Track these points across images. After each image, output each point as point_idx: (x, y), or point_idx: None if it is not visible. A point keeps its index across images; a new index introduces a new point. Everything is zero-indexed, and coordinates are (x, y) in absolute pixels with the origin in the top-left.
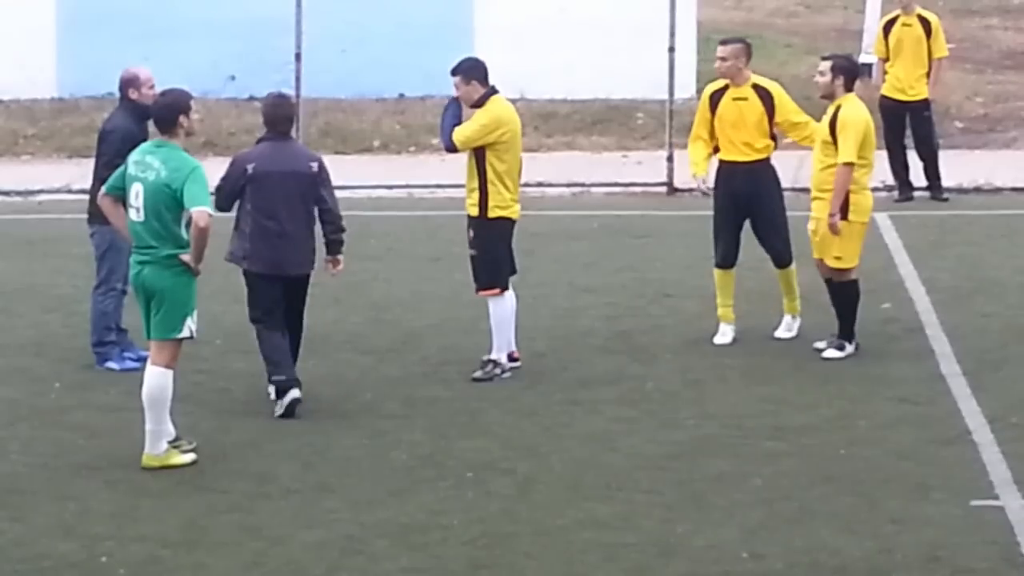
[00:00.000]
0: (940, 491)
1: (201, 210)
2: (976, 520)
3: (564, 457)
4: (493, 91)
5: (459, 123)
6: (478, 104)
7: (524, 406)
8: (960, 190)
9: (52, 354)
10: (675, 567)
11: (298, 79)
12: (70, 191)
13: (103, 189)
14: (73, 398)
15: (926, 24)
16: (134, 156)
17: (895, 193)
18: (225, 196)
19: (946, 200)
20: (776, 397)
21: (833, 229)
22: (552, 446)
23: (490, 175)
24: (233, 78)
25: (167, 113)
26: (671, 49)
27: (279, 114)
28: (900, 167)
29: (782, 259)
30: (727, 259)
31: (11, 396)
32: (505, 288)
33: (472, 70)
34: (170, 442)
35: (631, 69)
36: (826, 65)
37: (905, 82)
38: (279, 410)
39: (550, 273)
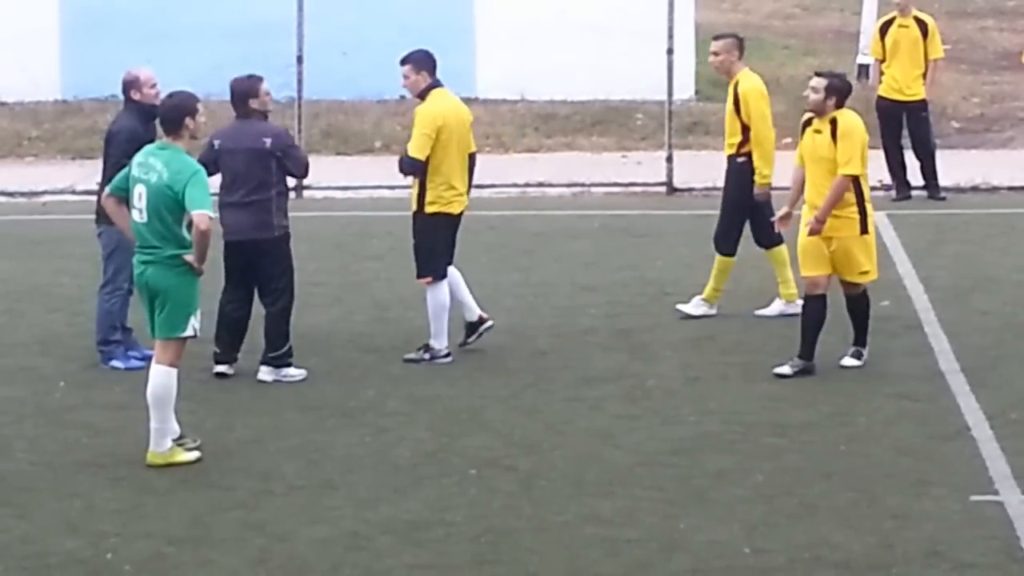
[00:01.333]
0: (940, 487)
1: (202, 213)
2: (976, 515)
3: (566, 454)
4: (437, 84)
5: None
6: (422, 95)
7: (526, 403)
8: (957, 189)
9: (57, 353)
10: (677, 563)
11: (300, 81)
12: (74, 192)
13: (107, 190)
14: (78, 397)
15: (923, 26)
16: (138, 158)
17: (892, 192)
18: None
19: (943, 200)
20: (776, 394)
21: (814, 232)
22: (554, 443)
23: (429, 170)
24: None
25: (173, 115)
26: (669, 51)
27: (234, 93)
28: (897, 167)
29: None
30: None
31: (16, 395)
32: (441, 278)
33: (422, 60)
34: (175, 440)
35: (630, 70)
36: (820, 83)
37: (902, 82)
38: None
39: (551, 272)
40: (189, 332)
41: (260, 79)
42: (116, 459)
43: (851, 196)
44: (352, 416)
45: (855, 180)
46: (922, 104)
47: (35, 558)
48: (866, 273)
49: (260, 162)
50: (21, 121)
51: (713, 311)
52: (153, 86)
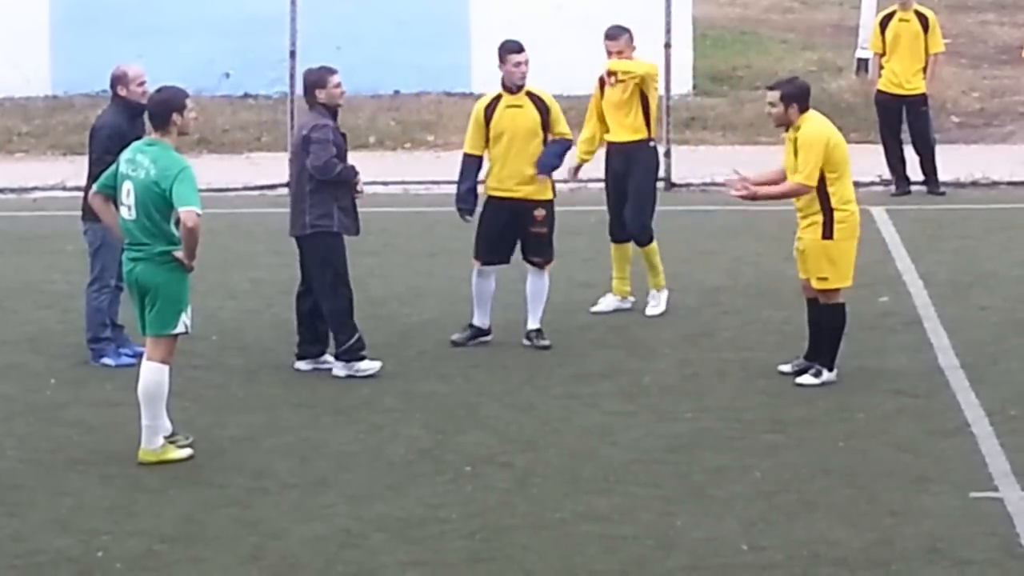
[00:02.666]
0: (939, 483)
1: (188, 210)
2: (975, 512)
3: (562, 450)
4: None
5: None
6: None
7: (522, 400)
8: (957, 184)
9: (47, 350)
10: (674, 560)
11: (292, 76)
12: (64, 188)
13: (94, 187)
14: (68, 394)
15: (923, 20)
16: (126, 154)
17: (892, 187)
18: None
19: (943, 195)
20: (774, 390)
21: (739, 193)
22: (550, 440)
23: None
24: (228, 75)
25: (160, 110)
26: (667, 45)
27: (305, 83)
28: (896, 161)
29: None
30: None
31: (6, 392)
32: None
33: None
34: (166, 437)
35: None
36: (775, 96)
37: (902, 76)
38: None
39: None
40: (180, 329)
41: (332, 71)
42: (107, 457)
43: (815, 202)
44: (346, 413)
45: (821, 186)
46: (922, 98)
47: (25, 556)
48: (824, 279)
49: (297, 157)
50: (11, 117)
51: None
52: (141, 84)
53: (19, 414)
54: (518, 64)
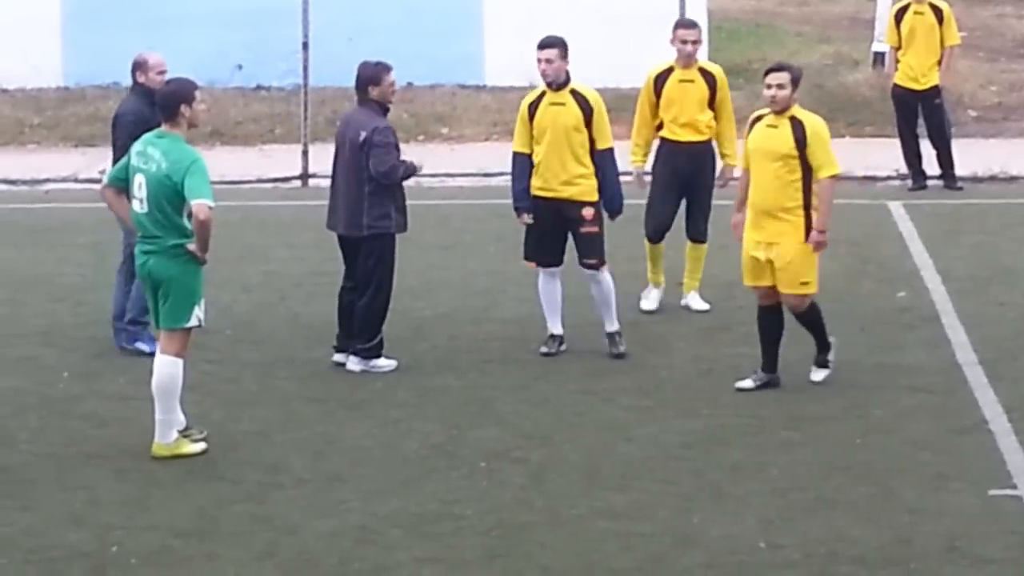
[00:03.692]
0: (957, 481)
1: (201, 203)
2: (994, 509)
3: (578, 446)
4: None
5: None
6: (561, 85)
7: (537, 395)
8: (975, 179)
9: (60, 343)
10: (691, 557)
11: (305, 68)
12: (76, 180)
13: (105, 180)
14: (82, 387)
15: (938, 12)
16: (137, 147)
17: (908, 182)
18: None
19: (960, 189)
20: (791, 386)
21: (821, 246)
22: (566, 435)
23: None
24: (240, 67)
25: (168, 102)
26: None
27: (358, 78)
28: (913, 156)
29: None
30: None
31: (19, 385)
32: None
33: (566, 47)
34: (180, 431)
35: (641, 58)
36: (784, 77)
37: (918, 71)
38: None
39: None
40: (193, 322)
41: (388, 68)
42: (121, 451)
43: (800, 199)
44: (360, 408)
45: (807, 185)
46: (936, 91)
47: (39, 551)
48: (806, 284)
49: (354, 156)
50: (23, 108)
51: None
52: (161, 72)
53: (32, 408)
54: (539, 61)
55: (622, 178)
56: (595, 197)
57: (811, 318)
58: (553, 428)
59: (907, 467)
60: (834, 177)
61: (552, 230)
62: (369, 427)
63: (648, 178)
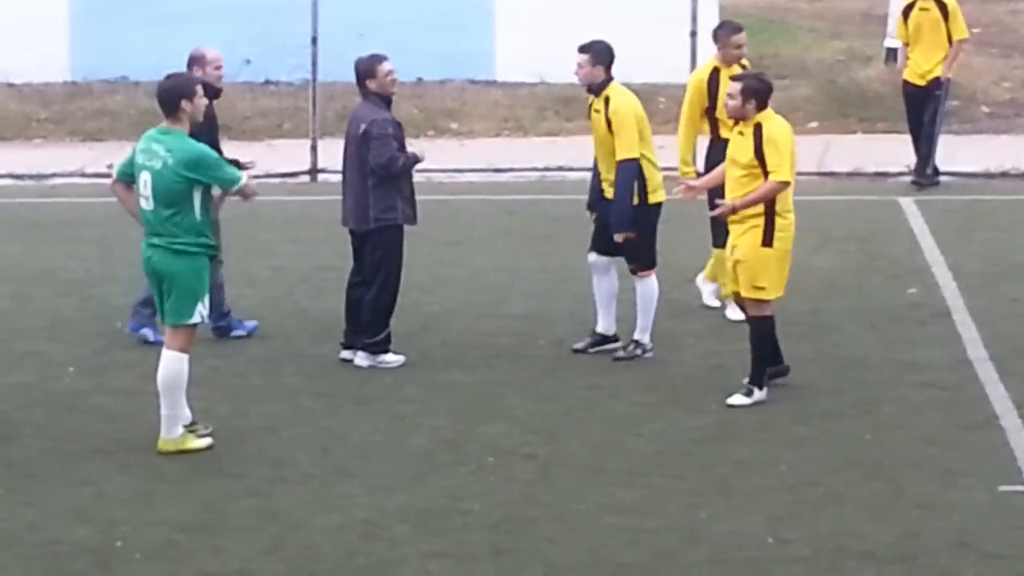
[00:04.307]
0: (967, 476)
1: (240, 185)
2: (1004, 505)
3: (586, 442)
4: (611, 78)
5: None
6: (595, 90)
7: (545, 390)
8: (987, 175)
9: (66, 338)
10: (699, 553)
11: (314, 63)
12: (83, 175)
13: (114, 175)
14: (87, 382)
15: (943, 7)
16: (140, 144)
17: (915, 176)
18: None
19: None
20: (799, 382)
21: (723, 214)
22: (574, 431)
23: (642, 163)
24: (249, 62)
25: (168, 97)
26: (693, 33)
27: (356, 73)
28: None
29: None
30: None
31: (25, 380)
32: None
33: (603, 53)
34: (186, 426)
35: (652, 53)
36: (735, 87)
37: (924, 67)
38: None
39: (571, 257)
40: (196, 319)
41: (381, 59)
42: (126, 446)
43: (761, 206)
44: (367, 403)
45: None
46: (936, 83)
47: (44, 546)
48: (760, 289)
49: (357, 150)
50: (30, 103)
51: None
52: (218, 67)
53: (37, 402)
54: (574, 64)
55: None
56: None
57: (758, 336)
58: (561, 424)
59: (916, 463)
60: (783, 183)
61: (604, 228)
62: (376, 422)
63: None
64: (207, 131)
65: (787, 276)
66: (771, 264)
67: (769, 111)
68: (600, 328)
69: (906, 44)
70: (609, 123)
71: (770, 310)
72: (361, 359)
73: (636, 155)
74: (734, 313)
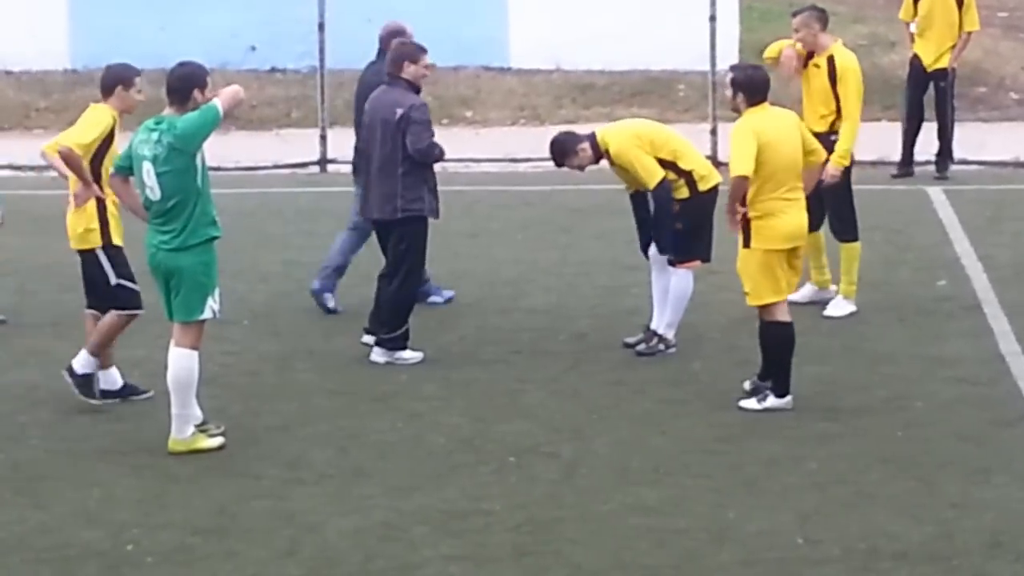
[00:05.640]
0: (1002, 474)
1: (213, 105)
2: None
3: (610, 440)
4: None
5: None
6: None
7: (567, 387)
8: (1017, 163)
9: (71, 335)
10: (728, 553)
11: (322, 50)
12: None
13: (112, 169)
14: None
15: None
16: (139, 135)
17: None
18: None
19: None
20: (828, 377)
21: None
22: (597, 429)
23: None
24: (254, 48)
25: (180, 85)
26: (712, 18)
27: (393, 55)
28: (910, 138)
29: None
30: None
31: (30, 379)
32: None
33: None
34: (197, 426)
35: (671, 38)
36: (727, 78)
37: (933, 55)
38: None
39: (591, 250)
40: (207, 314)
41: (424, 50)
42: (136, 446)
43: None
44: (384, 401)
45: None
46: (943, 73)
47: (53, 549)
48: (747, 294)
49: (389, 136)
50: (29, 91)
51: (853, 307)
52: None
53: (43, 402)
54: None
55: None
56: (682, 194)
57: (764, 342)
58: (583, 421)
59: (949, 460)
60: (739, 178)
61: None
62: (393, 421)
63: None
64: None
65: (781, 283)
66: (750, 266)
67: (755, 110)
68: (653, 323)
69: (908, 23)
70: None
71: (781, 315)
72: (378, 355)
73: (660, 177)
74: (835, 308)
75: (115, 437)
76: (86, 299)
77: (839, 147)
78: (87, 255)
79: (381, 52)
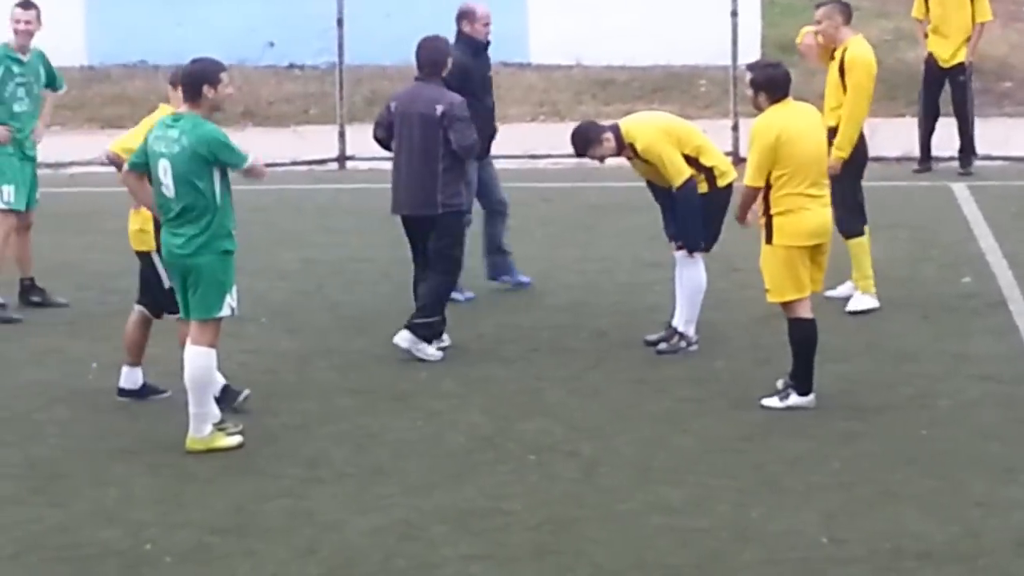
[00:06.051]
0: None
1: (247, 166)
2: None
3: (631, 439)
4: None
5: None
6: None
7: (587, 385)
8: None
9: (87, 333)
10: (751, 553)
11: (340, 45)
12: (103, 163)
13: (126, 166)
14: (111, 379)
15: None
16: (155, 131)
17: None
18: (376, 126)
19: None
20: (852, 376)
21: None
22: (618, 427)
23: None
24: (272, 45)
25: (190, 81)
26: (734, 13)
27: (420, 56)
28: (926, 134)
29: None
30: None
31: (46, 378)
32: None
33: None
34: (215, 424)
35: (693, 34)
36: (748, 79)
37: (949, 50)
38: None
39: (612, 247)
40: (226, 312)
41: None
42: (154, 445)
43: (761, 207)
44: (403, 399)
45: (766, 194)
46: (960, 68)
47: (70, 549)
48: (768, 291)
49: (428, 132)
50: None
51: (876, 303)
52: (487, 24)
53: (60, 400)
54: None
55: None
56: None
57: (792, 338)
58: (605, 420)
59: (975, 459)
60: (749, 188)
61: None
62: (412, 419)
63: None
64: (458, 81)
65: (803, 280)
66: (772, 262)
67: (775, 108)
68: (673, 321)
69: (920, 21)
70: (646, 161)
71: (804, 312)
72: (403, 338)
73: (688, 175)
74: (854, 303)
75: (132, 436)
76: (138, 295)
77: (837, 139)
78: (143, 256)
79: (459, 33)
